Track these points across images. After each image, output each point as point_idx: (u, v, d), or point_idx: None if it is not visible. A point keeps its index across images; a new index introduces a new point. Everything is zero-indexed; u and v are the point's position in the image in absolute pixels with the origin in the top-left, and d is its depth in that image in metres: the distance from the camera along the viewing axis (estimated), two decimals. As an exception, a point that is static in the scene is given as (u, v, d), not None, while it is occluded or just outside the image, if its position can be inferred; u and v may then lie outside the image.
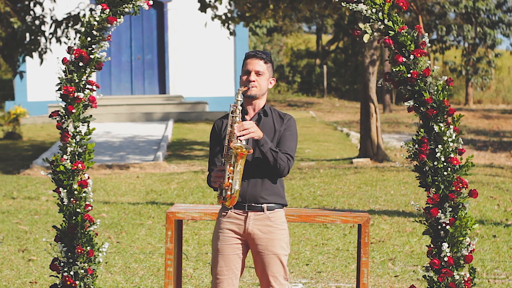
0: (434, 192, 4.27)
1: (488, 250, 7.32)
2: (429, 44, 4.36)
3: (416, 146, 4.30)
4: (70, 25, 13.11)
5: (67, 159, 4.31)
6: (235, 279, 4.07)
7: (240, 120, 3.98)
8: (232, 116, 3.98)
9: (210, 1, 13.96)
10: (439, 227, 4.26)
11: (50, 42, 13.32)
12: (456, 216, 4.24)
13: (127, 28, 20.93)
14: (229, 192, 3.97)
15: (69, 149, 4.31)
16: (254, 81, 4.03)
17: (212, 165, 4.14)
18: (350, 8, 4.34)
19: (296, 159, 13.43)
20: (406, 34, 4.28)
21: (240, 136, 3.93)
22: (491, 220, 8.62)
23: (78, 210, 4.30)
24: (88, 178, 4.34)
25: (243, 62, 4.10)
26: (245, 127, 3.94)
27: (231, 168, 3.95)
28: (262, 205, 4.05)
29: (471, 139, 18.53)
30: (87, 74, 4.36)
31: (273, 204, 4.08)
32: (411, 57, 4.26)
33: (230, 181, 3.96)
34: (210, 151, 4.19)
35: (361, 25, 4.35)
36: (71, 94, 4.31)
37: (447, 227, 4.22)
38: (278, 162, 4.00)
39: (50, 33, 13.24)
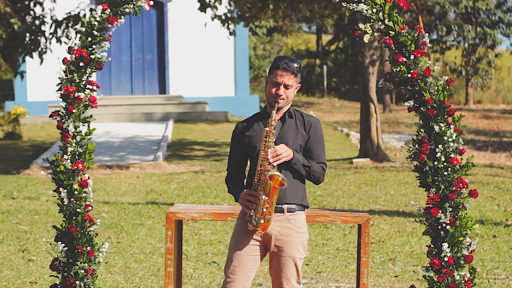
0: (434, 192, 4.27)
1: (488, 250, 7.32)
2: (429, 45, 4.36)
3: (416, 146, 4.30)
4: (70, 25, 13.11)
5: (67, 159, 4.31)
6: (247, 281, 4.03)
7: (273, 144, 3.98)
8: (266, 140, 3.97)
9: (210, 1, 13.96)
10: (439, 227, 4.26)
11: (50, 42, 13.32)
12: (456, 216, 4.24)
13: (127, 28, 20.93)
14: (262, 221, 3.97)
15: (69, 149, 4.32)
16: (282, 95, 4.02)
17: (232, 167, 4.16)
18: (351, 8, 4.34)
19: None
20: (407, 34, 4.28)
21: (273, 162, 3.95)
22: (491, 220, 8.62)
23: (78, 210, 4.30)
24: (88, 178, 4.34)
25: (273, 69, 4.04)
26: (278, 152, 3.95)
27: (266, 198, 3.94)
28: (283, 206, 4.05)
29: (471, 139, 18.54)
30: (87, 74, 4.36)
31: (294, 205, 4.07)
32: (412, 57, 4.26)
33: (264, 210, 3.96)
34: (230, 153, 4.19)
35: (361, 25, 4.35)
36: (72, 94, 4.31)
37: (447, 227, 4.22)
38: (312, 174, 4.05)
39: (50, 33, 13.24)
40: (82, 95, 4.32)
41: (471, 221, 4.22)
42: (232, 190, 4.14)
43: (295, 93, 4.12)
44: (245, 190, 4.03)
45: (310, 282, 6.30)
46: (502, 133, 20.02)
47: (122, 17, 4.37)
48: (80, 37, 4.37)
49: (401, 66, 4.27)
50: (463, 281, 4.24)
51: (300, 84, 4.15)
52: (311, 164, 4.05)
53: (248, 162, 4.18)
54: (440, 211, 4.24)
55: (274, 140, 3.98)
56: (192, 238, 7.79)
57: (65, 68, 4.35)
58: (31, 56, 13.19)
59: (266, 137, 3.97)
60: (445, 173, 4.24)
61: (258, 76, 28.90)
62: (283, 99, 4.03)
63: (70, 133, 4.32)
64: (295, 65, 4.03)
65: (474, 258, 4.47)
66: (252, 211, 3.97)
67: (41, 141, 16.32)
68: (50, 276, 4.65)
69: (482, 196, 9.81)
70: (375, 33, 4.33)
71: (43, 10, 13.23)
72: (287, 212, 4.05)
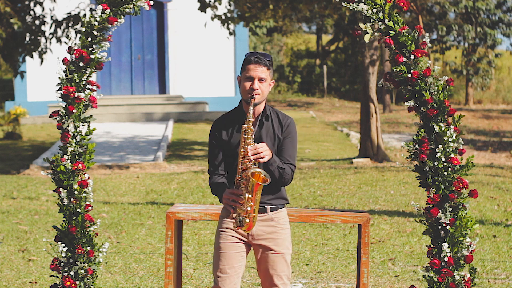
0: (434, 192, 4.27)
1: (488, 250, 7.32)
2: (429, 45, 4.36)
3: (417, 146, 4.30)
4: (70, 25, 13.11)
5: (67, 159, 4.31)
6: (237, 278, 4.06)
7: (253, 141, 3.94)
8: (245, 137, 3.93)
9: (210, 1, 13.96)
10: (439, 227, 4.26)
11: (50, 42, 13.32)
12: (456, 216, 4.24)
13: (127, 28, 20.93)
14: (247, 220, 3.94)
15: (69, 149, 4.32)
16: (257, 89, 3.99)
17: (212, 167, 4.11)
18: (351, 8, 4.34)
19: (296, 159, 13.43)
20: (407, 34, 4.28)
21: (254, 159, 3.91)
22: (491, 220, 8.61)
23: (78, 210, 4.30)
24: (88, 178, 4.34)
25: (245, 66, 4.02)
26: (259, 150, 3.91)
27: (250, 196, 3.91)
28: (266, 207, 4.06)
29: (471, 139, 18.54)
30: (87, 74, 4.36)
31: (275, 205, 4.10)
32: (412, 57, 4.26)
33: (248, 208, 3.93)
34: (210, 152, 4.15)
35: (361, 25, 4.35)
36: (72, 94, 4.31)
37: (447, 227, 4.22)
38: (284, 176, 4.03)
39: (50, 33, 13.23)
40: (82, 95, 4.32)
41: (471, 221, 4.22)
42: (216, 192, 4.10)
43: (269, 89, 4.08)
44: (227, 189, 4.00)
45: (310, 282, 6.30)
46: (502, 133, 20.02)
47: (122, 17, 4.37)
48: (80, 37, 4.37)
49: (401, 66, 4.27)
50: (463, 281, 4.24)
51: (274, 81, 4.12)
52: (284, 167, 4.03)
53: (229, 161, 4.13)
54: (440, 211, 4.24)
55: (253, 136, 3.94)
56: (192, 238, 7.79)
57: (65, 68, 4.35)
58: (31, 56, 13.19)
59: (245, 134, 3.93)
60: (445, 173, 4.24)
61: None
62: (259, 94, 3.99)
63: (70, 133, 4.32)
64: (267, 58, 4.02)
65: (474, 258, 4.47)
66: (236, 210, 3.95)
67: (41, 141, 16.31)
68: (50, 276, 4.65)
69: (482, 196, 9.81)
70: (375, 33, 4.33)
71: (43, 10, 13.23)
72: (270, 211, 4.07)
